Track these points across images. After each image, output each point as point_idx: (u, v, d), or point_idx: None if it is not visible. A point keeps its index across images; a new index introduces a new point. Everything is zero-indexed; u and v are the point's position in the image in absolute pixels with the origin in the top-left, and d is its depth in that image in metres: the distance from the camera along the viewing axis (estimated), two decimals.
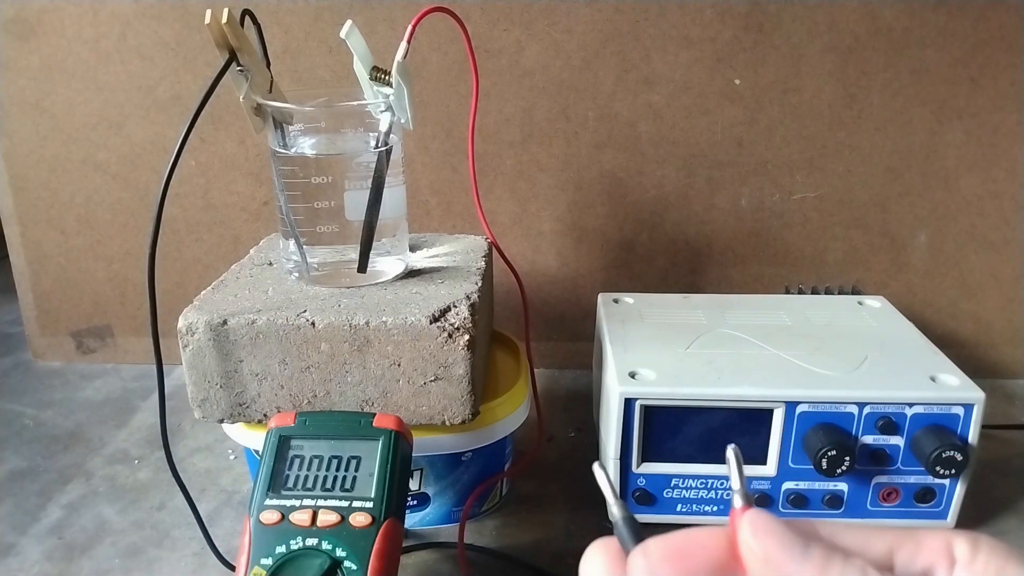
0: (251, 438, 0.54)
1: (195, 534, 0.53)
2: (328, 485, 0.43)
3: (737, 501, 0.23)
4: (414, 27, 0.48)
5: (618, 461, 0.52)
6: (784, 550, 0.21)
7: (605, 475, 0.25)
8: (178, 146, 0.47)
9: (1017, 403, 0.73)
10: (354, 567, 0.40)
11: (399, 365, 0.48)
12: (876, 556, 0.22)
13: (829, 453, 0.50)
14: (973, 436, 0.50)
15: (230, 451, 0.66)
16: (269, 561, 0.40)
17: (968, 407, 0.50)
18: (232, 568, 0.51)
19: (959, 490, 0.52)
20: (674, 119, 0.72)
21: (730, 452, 0.24)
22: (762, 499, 0.53)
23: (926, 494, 0.52)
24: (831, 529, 0.22)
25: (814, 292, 0.70)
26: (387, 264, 0.54)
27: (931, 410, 0.50)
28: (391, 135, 0.51)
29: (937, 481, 0.52)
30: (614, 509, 0.24)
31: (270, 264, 0.58)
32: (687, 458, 0.52)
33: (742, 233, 0.75)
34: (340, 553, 0.40)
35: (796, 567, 0.21)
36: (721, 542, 0.22)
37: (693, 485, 0.53)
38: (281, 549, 0.40)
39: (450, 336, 0.47)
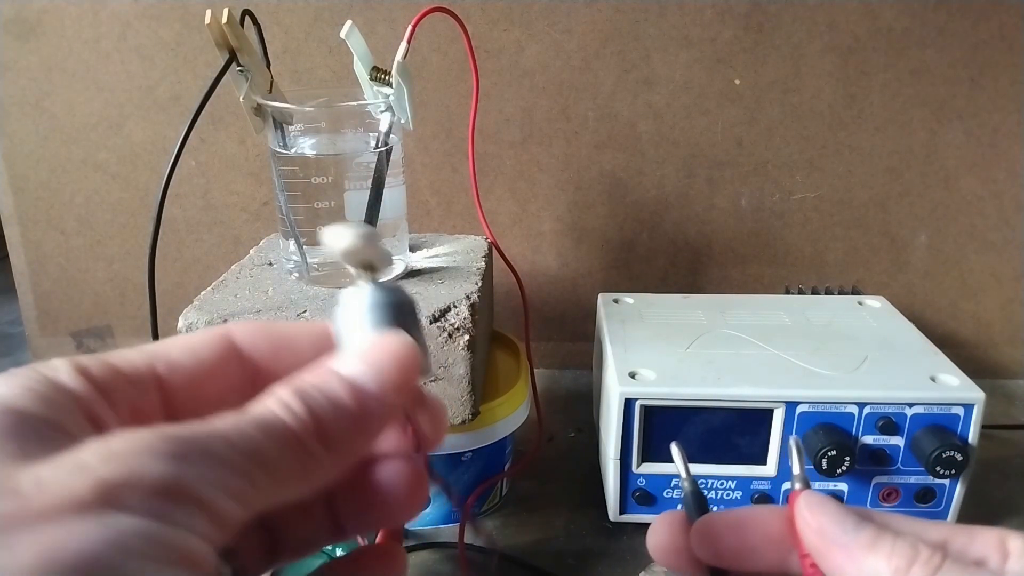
0: None
1: None
2: None
3: (796, 484, 0.25)
4: (414, 27, 0.48)
5: (618, 461, 0.52)
6: (837, 524, 0.23)
7: (680, 452, 0.27)
8: (178, 146, 0.47)
9: (1017, 403, 0.73)
10: None
11: None
12: (929, 542, 0.22)
13: (829, 453, 0.50)
14: (973, 436, 0.50)
15: None
16: None
17: (968, 407, 0.50)
18: None
19: (959, 490, 0.52)
20: (674, 119, 0.72)
21: (792, 442, 0.26)
22: (762, 499, 0.53)
23: (926, 494, 0.52)
24: (885, 518, 0.24)
25: (814, 292, 0.70)
26: None
27: (931, 410, 0.50)
28: (391, 135, 0.51)
29: (937, 481, 0.52)
30: (684, 483, 0.26)
31: (270, 264, 0.58)
32: (687, 458, 0.52)
33: (742, 233, 0.75)
34: (340, 553, 0.40)
35: (848, 539, 0.22)
36: (779, 519, 0.24)
37: None
38: None
39: (450, 336, 0.47)
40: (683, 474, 0.27)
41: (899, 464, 0.52)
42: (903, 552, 0.21)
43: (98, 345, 0.82)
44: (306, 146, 0.51)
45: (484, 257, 0.59)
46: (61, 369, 0.19)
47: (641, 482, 0.53)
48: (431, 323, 0.47)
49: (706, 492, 0.53)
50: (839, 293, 0.69)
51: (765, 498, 0.53)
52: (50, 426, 0.17)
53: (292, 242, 0.53)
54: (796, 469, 0.25)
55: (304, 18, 0.70)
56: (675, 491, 0.53)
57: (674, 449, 0.27)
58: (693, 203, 0.74)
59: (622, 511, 0.54)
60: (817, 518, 0.23)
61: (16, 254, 0.79)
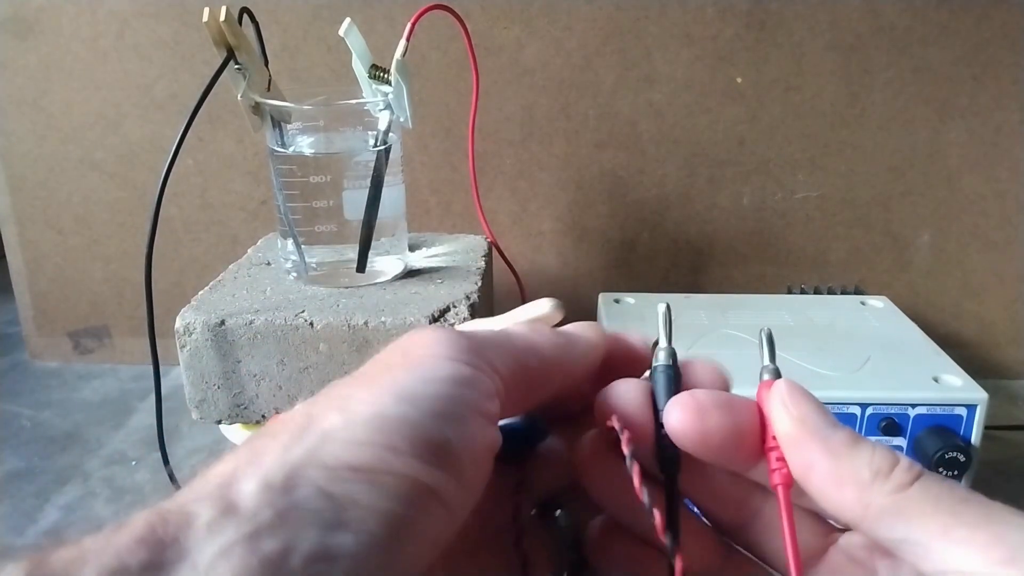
0: None
1: None
2: None
3: (766, 375, 0.24)
4: (413, 25, 0.48)
5: None
6: (819, 414, 0.22)
7: (667, 315, 0.26)
8: (176, 145, 0.47)
9: (1020, 403, 0.73)
10: None
11: None
12: None
13: None
14: (976, 437, 0.50)
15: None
16: None
17: (971, 408, 0.50)
18: None
19: None
20: (675, 117, 0.71)
21: (762, 333, 0.25)
22: None
23: None
24: None
25: (816, 292, 0.69)
26: (386, 264, 0.54)
27: (934, 411, 0.50)
28: (390, 134, 0.51)
29: None
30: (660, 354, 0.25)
31: (268, 264, 0.57)
32: None
33: (744, 232, 0.75)
34: None
35: (829, 433, 0.21)
36: (754, 406, 0.23)
37: None
38: None
39: None
40: (663, 342, 0.25)
41: None
42: (885, 456, 0.21)
43: (95, 345, 0.82)
44: (304, 145, 0.51)
45: (484, 257, 0.58)
46: None
47: None
48: (430, 323, 0.47)
49: None
50: (841, 293, 0.69)
51: None
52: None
53: (290, 241, 0.52)
54: (766, 360, 0.24)
55: (302, 16, 0.69)
56: None
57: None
58: (694, 202, 0.74)
59: None
60: (800, 407, 0.22)
61: (13, 254, 0.79)
